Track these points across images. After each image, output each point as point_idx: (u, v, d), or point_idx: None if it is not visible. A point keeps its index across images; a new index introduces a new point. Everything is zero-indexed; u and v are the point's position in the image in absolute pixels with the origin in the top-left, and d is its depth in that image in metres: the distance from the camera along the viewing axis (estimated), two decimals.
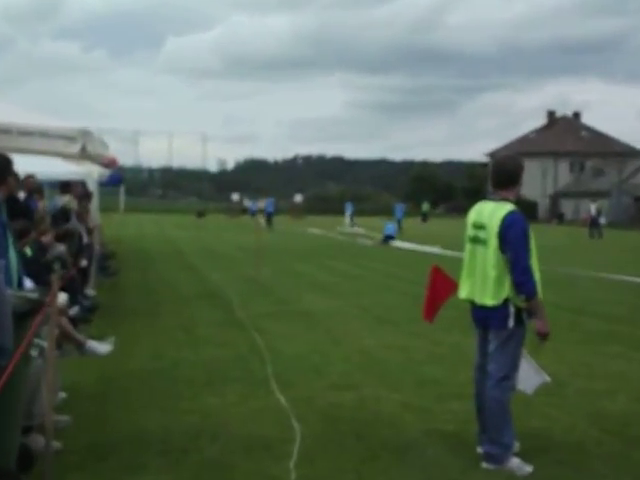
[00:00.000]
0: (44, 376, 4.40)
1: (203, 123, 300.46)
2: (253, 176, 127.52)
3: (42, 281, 5.05)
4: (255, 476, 4.38)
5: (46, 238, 8.52)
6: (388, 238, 27.61)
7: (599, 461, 4.70)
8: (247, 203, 59.33)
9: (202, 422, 5.31)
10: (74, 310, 8.64)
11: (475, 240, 4.68)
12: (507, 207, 4.53)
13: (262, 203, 50.42)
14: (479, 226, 4.64)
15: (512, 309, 4.49)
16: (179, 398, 5.93)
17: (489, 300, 4.54)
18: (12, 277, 4.14)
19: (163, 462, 4.53)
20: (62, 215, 11.12)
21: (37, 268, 6.65)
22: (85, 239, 11.13)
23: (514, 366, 4.61)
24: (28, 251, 7.24)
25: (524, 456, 4.63)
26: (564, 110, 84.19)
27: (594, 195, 50.16)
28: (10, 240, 4.28)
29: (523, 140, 76.54)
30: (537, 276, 4.48)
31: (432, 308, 5.18)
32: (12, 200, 8.14)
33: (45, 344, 4.41)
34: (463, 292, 4.79)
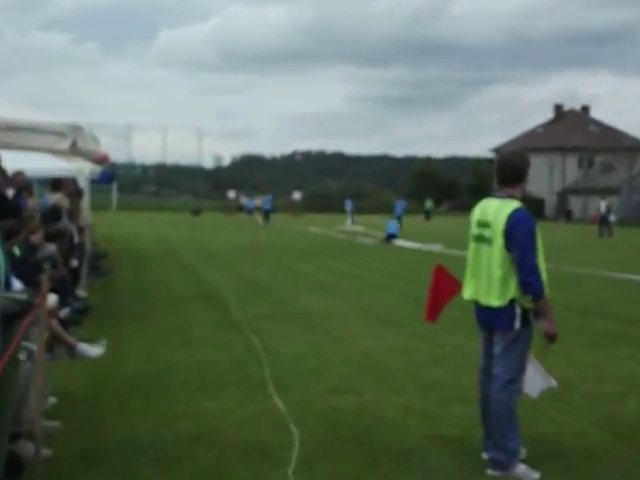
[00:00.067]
0: (33, 380, 4.39)
1: (198, 118, 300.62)
2: (250, 172, 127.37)
3: (31, 282, 5.05)
4: None
5: (36, 237, 8.51)
6: (390, 237, 27.60)
7: (609, 468, 4.69)
8: (244, 200, 59.27)
9: (197, 427, 5.31)
10: (64, 312, 8.63)
11: (480, 239, 4.68)
12: (513, 204, 4.52)
13: (259, 200, 50.48)
14: (484, 224, 4.64)
15: (518, 310, 4.48)
16: (173, 403, 5.93)
17: (494, 301, 4.53)
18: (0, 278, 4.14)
19: (157, 469, 4.53)
20: (53, 214, 11.12)
21: (26, 268, 6.64)
22: (76, 238, 11.13)
23: (521, 369, 4.60)
24: (17, 251, 7.24)
25: (531, 462, 4.62)
26: (572, 104, 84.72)
27: (603, 192, 50.10)
28: None
29: (529, 135, 76.61)
30: (544, 276, 4.48)
31: (434, 308, 5.18)
32: (0, 198, 8.15)
33: (34, 347, 4.41)
34: (467, 292, 4.79)
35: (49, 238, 9.25)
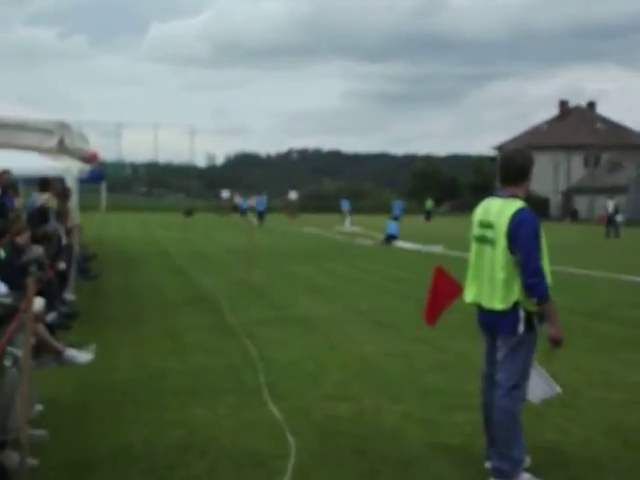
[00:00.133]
0: (19, 387, 4.38)
1: (191, 115, 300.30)
2: (244, 172, 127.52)
3: (17, 285, 5.04)
4: None
5: (22, 239, 8.50)
6: (390, 238, 27.61)
7: (616, 477, 4.70)
8: (238, 200, 59.25)
9: (189, 436, 5.30)
10: (51, 316, 8.62)
11: (482, 240, 4.68)
12: (516, 204, 4.53)
13: (253, 201, 50.45)
14: (486, 225, 4.64)
15: (522, 314, 4.48)
16: (165, 410, 5.92)
17: (497, 304, 4.53)
18: None
19: (147, 479, 4.52)
20: (40, 214, 11.11)
21: (11, 271, 6.64)
22: (64, 240, 11.12)
23: (525, 374, 4.60)
24: (2, 253, 7.23)
25: (535, 471, 4.63)
26: (578, 100, 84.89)
27: (610, 191, 50.23)
28: None
29: (534, 132, 76.70)
30: (548, 279, 4.48)
31: (434, 311, 5.18)
32: None
33: (20, 353, 4.40)
34: (469, 295, 4.79)
35: (36, 240, 9.25)
